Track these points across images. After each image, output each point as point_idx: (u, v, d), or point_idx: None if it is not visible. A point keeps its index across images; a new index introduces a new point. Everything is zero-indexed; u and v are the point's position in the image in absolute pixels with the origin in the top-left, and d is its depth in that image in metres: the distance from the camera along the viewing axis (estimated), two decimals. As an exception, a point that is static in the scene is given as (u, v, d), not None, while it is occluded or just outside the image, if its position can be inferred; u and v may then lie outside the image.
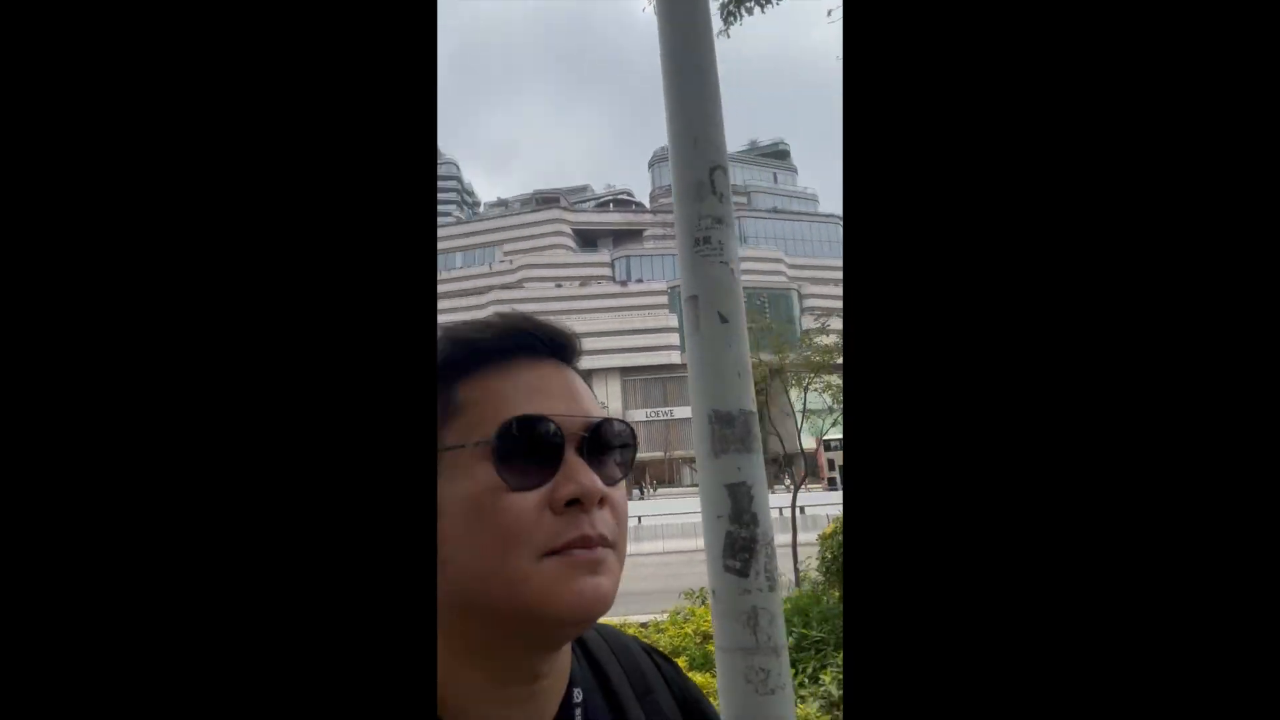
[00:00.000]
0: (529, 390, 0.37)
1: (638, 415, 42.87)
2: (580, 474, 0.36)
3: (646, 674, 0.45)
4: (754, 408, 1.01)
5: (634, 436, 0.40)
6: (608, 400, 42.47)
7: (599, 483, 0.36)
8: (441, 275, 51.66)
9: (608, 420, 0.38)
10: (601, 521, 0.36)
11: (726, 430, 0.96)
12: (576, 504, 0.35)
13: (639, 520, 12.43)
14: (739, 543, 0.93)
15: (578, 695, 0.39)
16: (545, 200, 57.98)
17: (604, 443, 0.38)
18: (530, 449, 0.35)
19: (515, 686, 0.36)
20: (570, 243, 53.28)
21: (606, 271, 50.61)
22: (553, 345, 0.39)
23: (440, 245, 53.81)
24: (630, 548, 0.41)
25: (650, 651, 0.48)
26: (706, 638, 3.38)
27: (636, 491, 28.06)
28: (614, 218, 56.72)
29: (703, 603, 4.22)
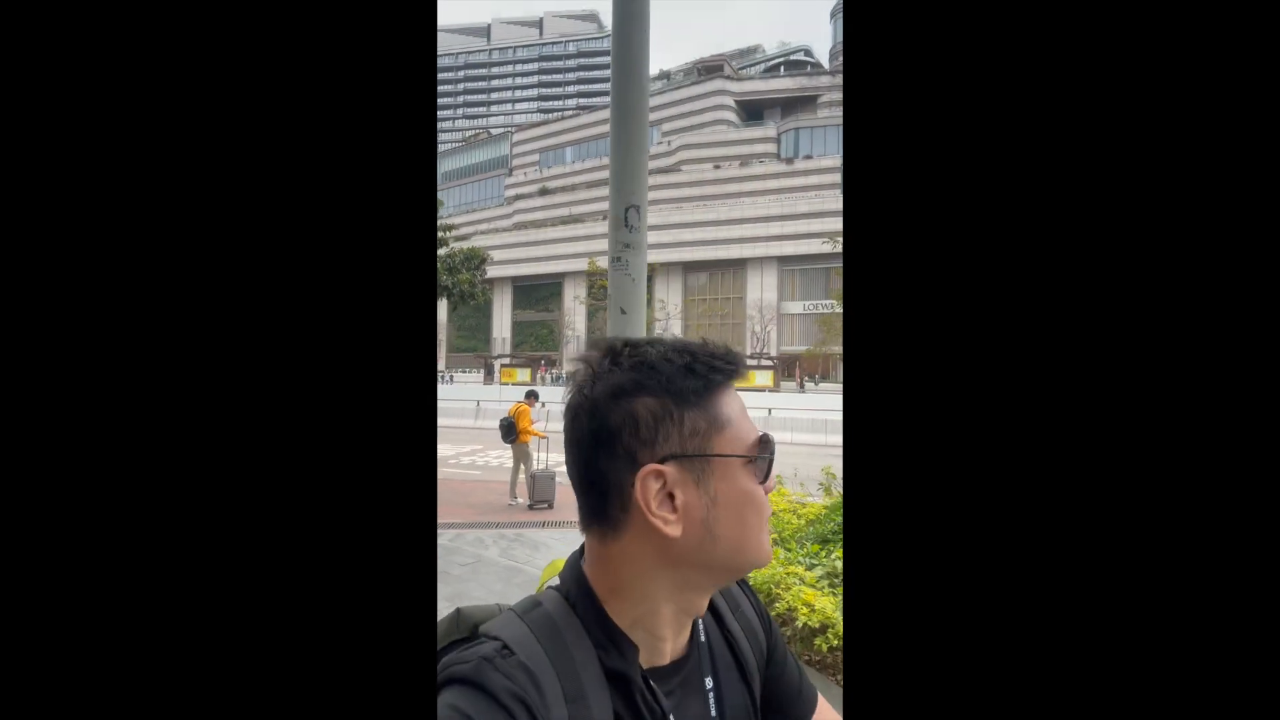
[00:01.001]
0: (746, 411, 0.50)
1: (794, 308, 41.13)
2: (772, 475, 0.51)
3: (735, 592, 0.60)
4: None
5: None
6: (763, 292, 41.31)
7: None
8: (597, 162, 52.12)
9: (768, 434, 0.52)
10: None
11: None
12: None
13: (769, 412, 13.14)
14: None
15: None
16: (708, 69, 53.26)
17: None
18: (771, 460, 0.50)
19: (685, 617, 0.51)
20: (733, 116, 49.38)
21: (771, 148, 46.60)
22: (741, 371, 0.51)
23: (595, 131, 53.45)
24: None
25: None
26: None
27: (795, 385, 28.29)
28: (784, 83, 50.72)
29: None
